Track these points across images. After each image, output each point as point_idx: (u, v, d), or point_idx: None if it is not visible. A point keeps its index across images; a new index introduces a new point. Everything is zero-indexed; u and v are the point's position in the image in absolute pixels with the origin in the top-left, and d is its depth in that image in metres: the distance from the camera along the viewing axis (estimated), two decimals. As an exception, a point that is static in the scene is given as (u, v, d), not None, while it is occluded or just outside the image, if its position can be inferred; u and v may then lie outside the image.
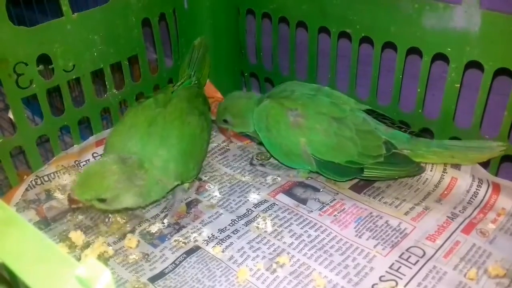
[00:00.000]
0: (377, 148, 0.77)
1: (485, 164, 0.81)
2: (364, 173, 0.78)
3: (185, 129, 0.78)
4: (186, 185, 0.82)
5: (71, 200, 0.70)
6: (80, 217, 0.78)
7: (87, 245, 0.72)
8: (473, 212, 0.75)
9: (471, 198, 0.78)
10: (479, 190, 0.78)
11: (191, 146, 0.78)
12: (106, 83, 0.93)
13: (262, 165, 0.89)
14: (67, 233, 0.74)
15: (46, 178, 0.84)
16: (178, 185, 0.79)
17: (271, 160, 0.91)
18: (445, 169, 0.82)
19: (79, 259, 0.69)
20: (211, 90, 1.05)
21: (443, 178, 0.81)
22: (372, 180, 0.82)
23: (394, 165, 0.78)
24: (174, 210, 0.79)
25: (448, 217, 0.74)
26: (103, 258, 0.70)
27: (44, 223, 0.77)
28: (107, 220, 0.77)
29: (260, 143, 0.89)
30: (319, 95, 0.81)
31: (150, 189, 0.73)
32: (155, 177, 0.72)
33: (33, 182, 0.83)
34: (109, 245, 0.72)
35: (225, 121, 0.89)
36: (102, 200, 0.69)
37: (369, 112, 0.82)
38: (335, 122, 0.77)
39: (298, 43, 0.96)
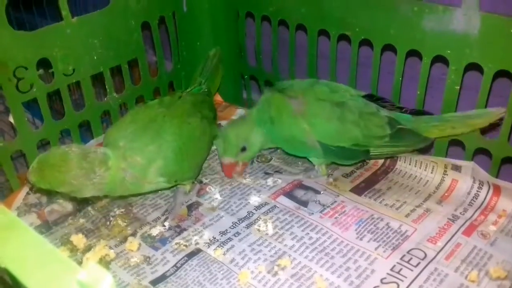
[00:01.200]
0: (381, 129, 0.78)
1: (485, 166, 0.81)
2: (371, 153, 0.79)
3: (184, 129, 0.78)
4: (187, 187, 0.82)
5: (28, 181, 0.68)
6: (82, 220, 0.78)
7: (88, 248, 0.72)
8: (474, 214, 0.75)
9: (472, 200, 0.78)
10: (480, 192, 0.78)
11: (188, 146, 0.77)
12: (106, 86, 0.93)
13: (278, 172, 0.88)
14: (69, 236, 0.74)
15: (47, 182, 0.84)
16: (176, 185, 0.79)
17: (288, 159, 0.91)
18: (445, 171, 0.82)
19: (80, 262, 0.69)
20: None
21: (444, 180, 0.81)
22: (380, 158, 0.84)
23: (400, 141, 0.79)
24: (175, 213, 0.79)
25: (449, 219, 0.74)
26: (105, 261, 0.70)
27: (46, 227, 0.77)
28: (108, 223, 0.78)
29: (277, 154, 0.91)
30: (317, 86, 0.82)
31: (113, 187, 0.71)
32: (119, 175, 0.70)
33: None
34: (110, 248, 0.72)
35: (243, 149, 0.83)
36: (58, 189, 0.67)
37: (368, 98, 0.82)
38: (337, 107, 0.78)
39: (298, 46, 0.96)
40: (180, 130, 0.77)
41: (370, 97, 0.83)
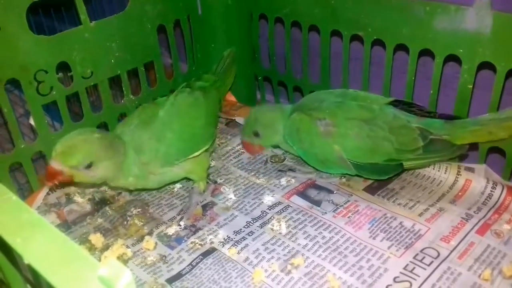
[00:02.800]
0: (414, 141, 0.77)
1: (497, 170, 0.81)
2: (405, 166, 0.79)
3: (185, 120, 0.79)
4: (202, 187, 0.83)
5: (51, 174, 0.68)
6: (100, 220, 0.80)
7: (106, 247, 0.74)
8: (487, 213, 0.75)
9: (485, 199, 0.78)
10: (494, 191, 0.78)
11: (179, 123, 0.79)
12: (123, 89, 0.95)
13: (292, 170, 0.90)
14: (87, 235, 0.76)
15: (66, 182, 0.86)
16: (190, 181, 0.81)
17: (301, 160, 0.91)
18: (459, 171, 0.82)
19: (99, 260, 0.70)
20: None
21: (458, 180, 0.81)
22: (415, 169, 0.83)
23: (434, 152, 0.78)
24: (190, 212, 0.80)
25: (462, 218, 0.74)
26: (122, 260, 0.71)
27: (65, 226, 0.79)
28: (125, 222, 0.79)
29: (291, 154, 0.91)
30: (346, 101, 0.81)
31: (129, 168, 0.73)
32: (133, 157, 0.73)
33: (54, 186, 0.85)
34: (127, 247, 0.74)
35: (256, 133, 0.87)
36: (88, 166, 0.68)
37: (396, 103, 0.81)
38: (366, 125, 0.77)
39: (311, 47, 0.97)
40: (183, 121, 0.79)
41: (398, 103, 0.81)
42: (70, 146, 0.68)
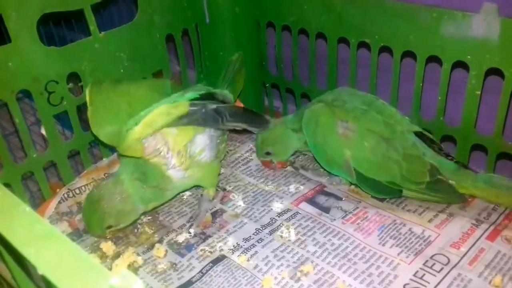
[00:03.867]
0: (422, 175, 0.76)
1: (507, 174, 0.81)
2: (403, 194, 0.79)
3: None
4: (211, 194, 0.84)
5: (99, 236, 0.78)
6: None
7: (117, 255, 0.75)
8: (498, 218, 0.75)
9: (495, 205, 0.77)
10: (504, 196, 0.78)
11: None
12: (133, 98, 0.96)
13: (304, 169, 0.91)
14: (98, 243, 0.77)
15: (77, 191, 0.87)
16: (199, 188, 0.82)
17: (310, 166, 0.93)
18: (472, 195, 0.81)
19: (110, 269, 0.71)
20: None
21: (467, 186, 0.81)
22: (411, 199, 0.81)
23: (435, 192, 0.77)
24: (200, 219, 0.81)
25: (472, 224, 0.74)
26: (133, 268, 0.72)
27: (77, 235, 0.80)
28: (136, 230, 0.80)
29: (306, 154, 0.93)
30: (371, 111, 0.80)
31: (142, 203, 0.77)
32: (139, 191, 0.76)
33: (65, 195, 0.86)
34: (138, 255, 0.75)
35: (268, 153, 0.90)
36: (110, 227, 0.76)
37: (419, 135, 0.80)
38: (384, 142, 0.77)
39: (318, 54, 0.98)
40: None
41: (420, 135, 0.80)
42: (86, 221, 0.77)
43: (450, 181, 0.77)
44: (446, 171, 0.77)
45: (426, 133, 0.82)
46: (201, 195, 0.85)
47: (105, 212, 0.74)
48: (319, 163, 0.86)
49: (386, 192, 0.79)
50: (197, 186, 0.86)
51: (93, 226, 0.76)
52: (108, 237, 0.78)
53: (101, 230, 0.76)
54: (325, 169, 0.86)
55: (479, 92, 0.79)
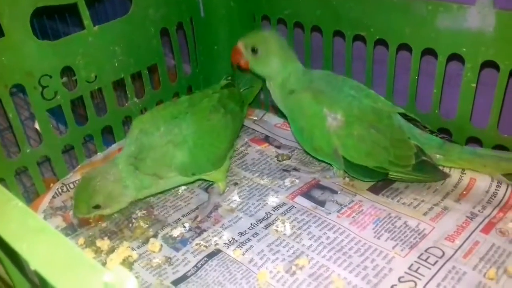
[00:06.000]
0: (408, 158, 0.78)
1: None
2: (389, 176, 0.80)
3: (202, 125, 0.80)
4: (222, 188, 0.84)
5: (81, 221, 0.79)
6: (105, 222, 0.81)
7: (112, 250, 0.74)
8: (492, 211, 0.75)
9: (490, 197, 0.78)
10: (498, 190, 0.78)
11: (205, 141, 0.80)
12: (127, 92, 0.96)
13: (296, 169, 0.90)
14: (93, 238, 0.77)
15: (71, 186, 0.87)
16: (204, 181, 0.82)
17: (305, 160, 0.92)
18: (463, 170, 0.82)
19: (104, 263, 0.71)
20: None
21: (462, 179, 0.82)
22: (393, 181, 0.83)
23: (420, 172, 0.79)
24: (206, 212, 0.81)
25: (467, 217, 0.74)
26: (128, 262, 0.72)
27: (71, 229, 0.80)
28: (130, 225, 0.80)
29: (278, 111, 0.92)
30: (360, 97, 0.80)
31: (134, 191, 0.77)
32: (135, 180, 0.77)
33: (59, 190, 0.86)
34: (133, 249, 0.75)
35: (254, 50, 0.84)
36: (97, 207, 0.76)
37: (402, 115, 0.82)
38: (373, 130, 0.77)
39: (313, 46, 0.97)
40: (198, 126, 0.79)
41: (403, 116, 0.81)
42: (75, 199, 0.76)
43: (437, 156, 0.79)
44: (433, 147, 0.79)
45: (408, 113, 0.83)
46: (212, 187, 0.85)
47: (95, 190, 0.74)
48: (305, 150, 0.87)
49: (373, 176, 0.81)
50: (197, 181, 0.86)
51: (80, 203, 0.75)
52: (91, 221, 0.78)
53: (87, 209, 0.75)
54: (312, 156, 0.86)
55: (474, 85, 0.79)
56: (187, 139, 0.77)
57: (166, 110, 0.81)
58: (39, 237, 0.35)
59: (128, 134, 0.80)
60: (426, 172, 0.79)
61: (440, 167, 0.82)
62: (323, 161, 0.87)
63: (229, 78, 0.95)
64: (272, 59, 0.84)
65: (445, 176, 0.81)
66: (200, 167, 0.80)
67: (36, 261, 0.33)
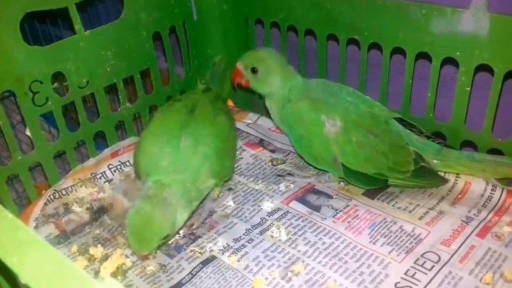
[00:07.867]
0: (407, 164, 0.77)
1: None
2: (388, 183, 0.80)
3: (216, 129, 0.80)
4: (216, 193, 0.83)
5: (142, 257, 0.72)
6: (98, 230, 0.80)
7: (105, 258, 0.73)
8: (488, 215, 0.75)
9: (485, 201, 0.77)
10: (494, 194, 0.78)
11: (224, 144, 0.80)
12: (120, 97, 0.95)
13: (290, 174, 0.89)
14: (86, 246, 0.75)
15: (64, 192, 0.86)
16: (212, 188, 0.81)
17: (300, 164, 0.92)
18: (458, 174, 0.82)
19: (98, 271, 0.70)
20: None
21: (457, 183, 0.81)
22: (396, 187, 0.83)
23: (419, 178, 0.79)
24: (201, 218, 0.80)
25: (462, 221, 0.74)
26: (122, 270, 0.71)
27: (64, 237, 0.78)
28: (124, 232, 0.79)
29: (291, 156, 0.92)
30: (357, 103, 0.80)
31: (187, 197, 0.73)
32: (181, 187, 0.72)
33: (51, 197, 0.85)
34: (127, 257, 0.74)
35: (254, 70, 0.85)
36: (166, 237, 0.71)
37: (398, 120, 0.82)
38: (371, 136, 0.77)
39: (307, 50, 0.97)
40: (213, 131, 0.79)
41: (400, 121, 0.82)
42: (138, 236, 0.69)
43: (435, 161, 0.79)
44: (430, 153, 0.79)
45: (405, 119, 0.83)
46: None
47: (162, 220, 0.68)
48: (303, 159, 0.86)
49: (373, 183, 0.80)
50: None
51: (148, 239, 0.69)
52: (154, 254, 0.74)
53: (157, 243, 0.70)
54: (310, 165, 0.86)
55: (468, 88, 0.79)
56: (211, 147, 0.77)
57: (170, 120, 0.80)
58: (30, 250, 0.34)
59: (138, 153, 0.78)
60: (426, 178, 0.79)
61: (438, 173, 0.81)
62: (322, 170, 0.86)
63: (203, 82, 0.96)
64: (273, 77, 0.85)
65: (444, 181, 0.81)
66: (224, 170, 0.82)
67: (26, 275, 0.32)
